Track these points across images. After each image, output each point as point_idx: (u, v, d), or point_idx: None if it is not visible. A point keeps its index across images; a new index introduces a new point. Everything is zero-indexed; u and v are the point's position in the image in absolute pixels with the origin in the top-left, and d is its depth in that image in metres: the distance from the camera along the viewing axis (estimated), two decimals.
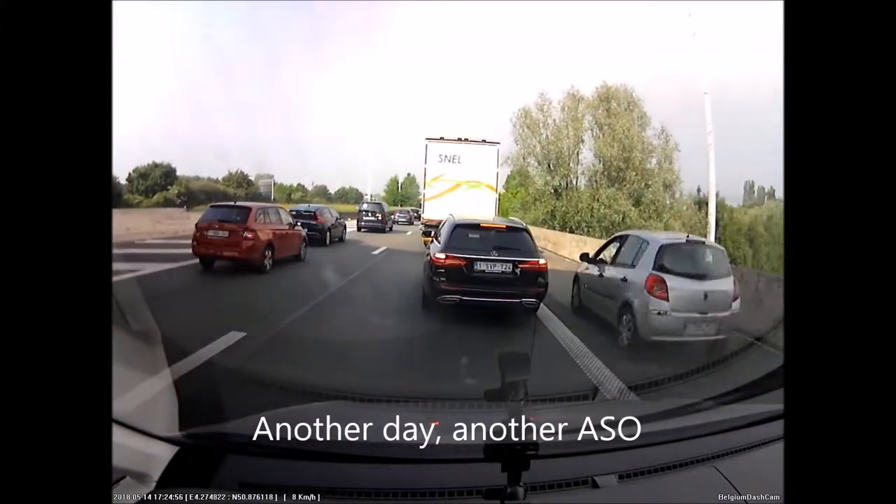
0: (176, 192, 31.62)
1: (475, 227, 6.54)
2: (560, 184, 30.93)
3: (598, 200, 29.09)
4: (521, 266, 6.15)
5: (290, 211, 12.13)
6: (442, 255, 6.16)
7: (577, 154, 30.83)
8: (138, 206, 26.76)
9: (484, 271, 6.12)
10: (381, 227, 20.90)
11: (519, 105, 31.25)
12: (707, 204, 26.45)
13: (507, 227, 6.82)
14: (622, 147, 28.85)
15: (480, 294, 6.04)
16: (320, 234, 13.17)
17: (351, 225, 18.96)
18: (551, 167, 31.05)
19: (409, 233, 21.76)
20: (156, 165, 35.02)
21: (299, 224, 10.95)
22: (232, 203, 10.55)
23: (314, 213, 13.96)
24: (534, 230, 22.01)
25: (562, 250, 18.05)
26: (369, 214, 21.31)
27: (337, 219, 15.73)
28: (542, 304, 6.45)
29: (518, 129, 31.32)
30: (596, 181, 29.96)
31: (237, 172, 42.73)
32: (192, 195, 32.05)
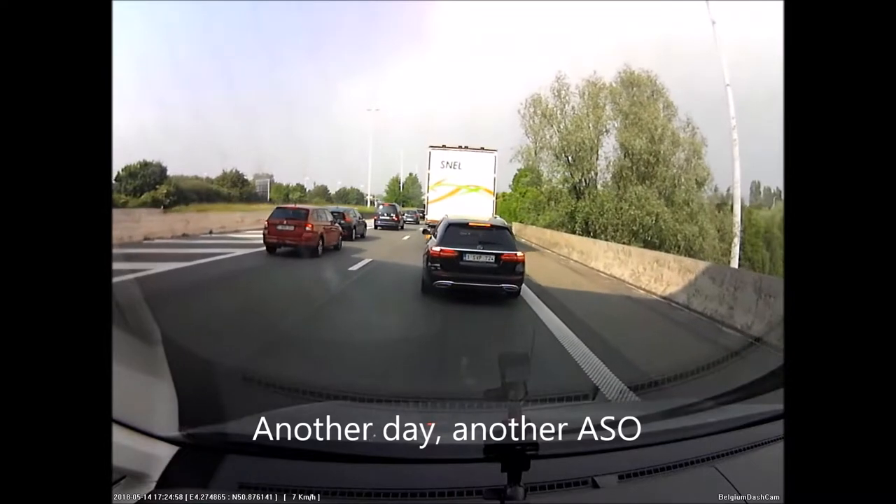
0: (165, 191, 30.68)
1: (465, 225, 7.88)
2: (581, 181, 26.44)
3: (625, 200, 24.73)
4: (502, 257, 7.49)
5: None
6: (437, 249, 7.47)
7: (599, 147, 26.32)
8: (124, 207, 25.74)
9: (471, 261, 7.45)
10: (394, 226, 24.90)
11: (522, 98, 27.61)
12: (725, 205, 23.79)
13: (492, 225, 8.17)
14: (651, 138, 24.37)
15: (469, 280, 7.35)
16: (347, 231, 16.08)
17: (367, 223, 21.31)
18: (570, 161, 26.47)
19: (406, 237, 19.92)
20: (146, 164, 34.26)
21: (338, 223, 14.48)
22: (294, 206, 14.18)
23: (343, 213, 17.12)
24: (553, 235, 18.83)
25: (594, 262, 14.07)
26: (385, 215, 25.69)
27: (359, 218, 19.01)
28: (563, 324, 6.52)
29: (528, 120, 27.05)
30: (623, 177, 25.21)
31: (232, 171, 42.45)
32: (182, 194, 31.14)
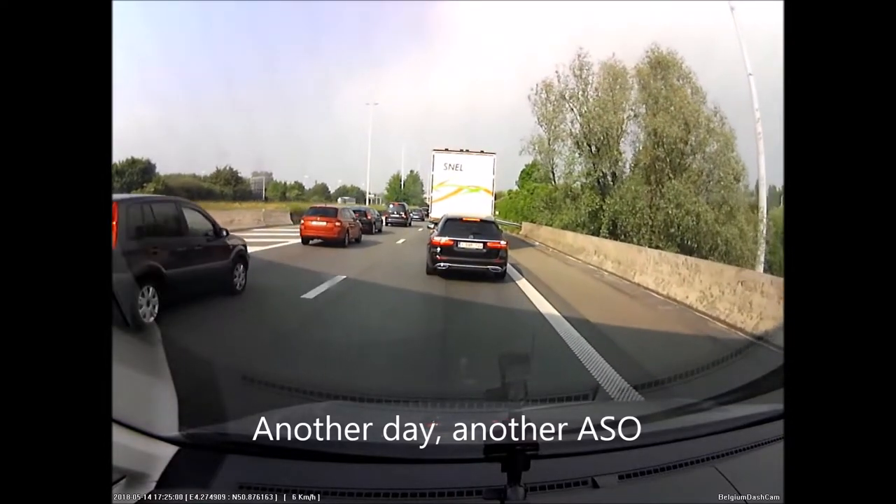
0: (152, 189, 30.19)
1: (460, 220, 10.18)
2: (606, 173, 22.25)
3: (662, 196, 20.52)
4: (488, 245, 9.55)
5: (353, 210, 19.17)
6: (438, 238, 9.61)
7: (624, 134, 22.26)
8: None
9: (464, 248, 9.49)
10: (403, 222, 28.95)
11: (522, 92, 24.95)
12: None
13: (481, 220, 10.46)
14: (685, 125, 20.68)
15: (462, 262, 9.38)
16: (367, 226, 18.85)
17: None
18: (594, 151, 22.29)
19: (401, 240, 18.51)
20: (133, 161, 33.74)
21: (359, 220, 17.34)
22: (325, 205, 17.62)
23: (364, 212, 20.24)
24: (576, 238, 16.98)
25: (639, 276, 10.66)
26: (395, 213, 29.74)
27: (377, 216, 22.85)
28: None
29: (541, 108, 23.24)
30: (655, 170, 21.00)
31: (226, 169, 42.34)
32: (170, 192, 30.72)
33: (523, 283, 9.59)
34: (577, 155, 23.10)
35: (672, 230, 20.32)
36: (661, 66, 21.77)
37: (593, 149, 22.59)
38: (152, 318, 5.11)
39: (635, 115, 22.38)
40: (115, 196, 5.55)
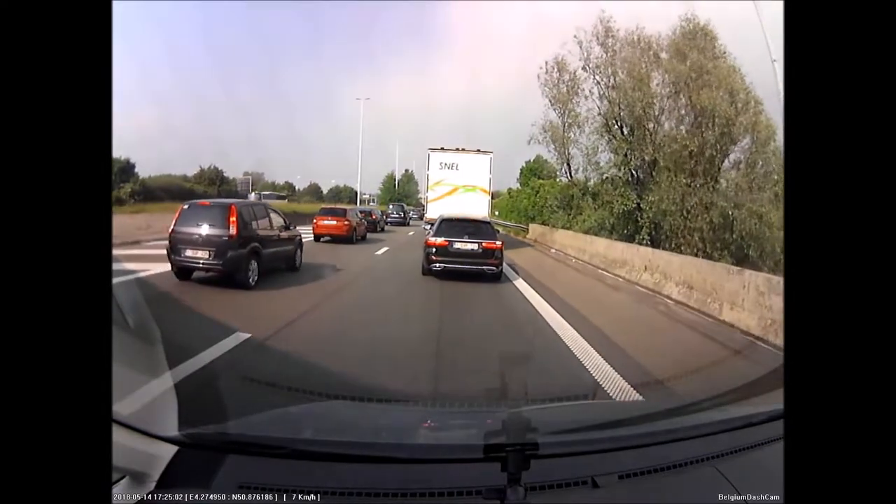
0: (129, 189, 28.97)
1: (455, 220, 10.24)
2: (644, 164, 17.82)
3: (715, 191, 16.65)
4: (483, 245, 9.62)
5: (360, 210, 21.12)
6: (433, 239, 9.66)
7: (657, 116, 17.94)
8: None
9: (459, 248, 9.53)
10: (402, 221, 30.94)
11: (519, 87, 23.03)
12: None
13: (476, 220, 10.61)
14: (732, 104, 16.79)
15: (457, 262, 9.43)
16: (372, 226, 20.88)
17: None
18: (627, 135, 17.96)
19: (382, 250, 15.07)
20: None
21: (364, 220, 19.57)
22: (334, 206, 20.32)
23: (370, 212, 22.67)
24: (610, 248, 14.18)
25: (733, 312, 7.00)
26: (394, 213, 31.51)
27: (381, 215, 25.22)
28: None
29: (553, 89, 19.51)
30: (704, 158, 16.82)
31: (210, 168, 42.64)
32: (149, 193, 29.58)
33: (559, 325, 6.23)
34: (603, 141, 18.55)
35: (728, 235, 16.01)
36: (699, 37, 18.06)
37: (625, 131, 17.98)
38: (254, 281, 7.88)
39: (676, 92, 17.77)
40: (231, 200, 9.68)
